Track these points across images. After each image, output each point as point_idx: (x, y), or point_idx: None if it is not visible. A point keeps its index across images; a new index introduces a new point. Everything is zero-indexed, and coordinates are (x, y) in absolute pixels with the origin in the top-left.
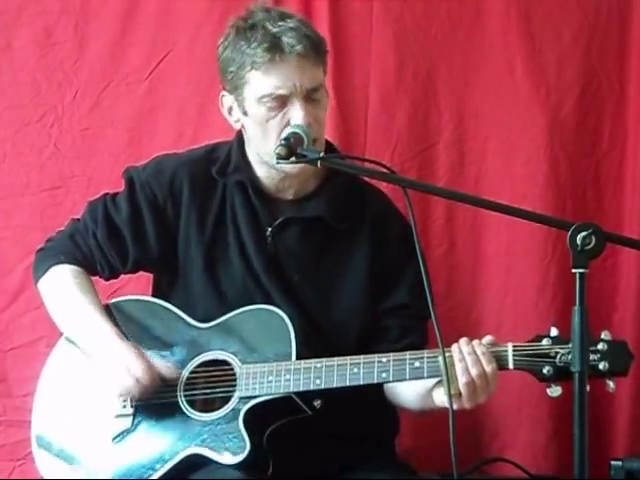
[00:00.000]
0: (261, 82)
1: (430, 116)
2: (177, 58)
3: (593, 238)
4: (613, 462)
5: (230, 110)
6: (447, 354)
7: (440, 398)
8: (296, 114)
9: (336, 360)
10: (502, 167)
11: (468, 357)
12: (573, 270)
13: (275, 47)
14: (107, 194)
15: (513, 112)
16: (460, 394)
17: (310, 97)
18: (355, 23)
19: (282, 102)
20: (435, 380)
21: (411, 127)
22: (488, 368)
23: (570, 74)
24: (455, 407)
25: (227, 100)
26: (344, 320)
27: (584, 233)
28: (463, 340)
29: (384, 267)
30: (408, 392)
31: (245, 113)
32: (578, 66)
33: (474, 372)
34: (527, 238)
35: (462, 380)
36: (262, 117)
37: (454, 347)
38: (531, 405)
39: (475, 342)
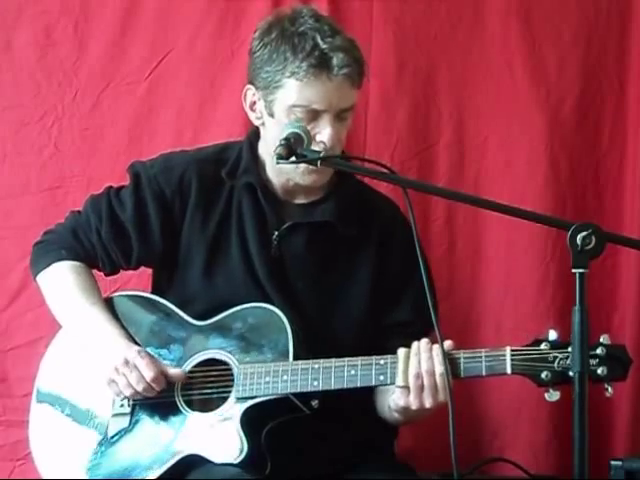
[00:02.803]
0: (298, 92)
1: (430, 116)
2: (177, 58)
3: (593, 238)
4: (613, 462)
5: (253, 105)
6: (406, 349)
7: (393, 399)
8: (325, 131)
9: (334, 361)
10: (502, 167)
11: (423, 354)
12: (573, 270)
13: (323, 65)
14: (111, 188)
15: (513, 112)
16: (409, 389)
17: (340, 116)
18: (355, 23)
19: (313, 115)
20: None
21: (411, 127)
22: (439, 368)
23: (570, 74)
24: (402, 403)
25: (252, 95)
26: (345, 328)
27: (584, 233)
28: (425, 340)
29: (388, 278)
30: (384, 404)
31: (271, 114)
32: (578, 66)
33: (424, 367)
34: (527, 238)
35: (411, 372)
36: None
37: (414, 344)
38: (531, 405)
39: (435, 346)
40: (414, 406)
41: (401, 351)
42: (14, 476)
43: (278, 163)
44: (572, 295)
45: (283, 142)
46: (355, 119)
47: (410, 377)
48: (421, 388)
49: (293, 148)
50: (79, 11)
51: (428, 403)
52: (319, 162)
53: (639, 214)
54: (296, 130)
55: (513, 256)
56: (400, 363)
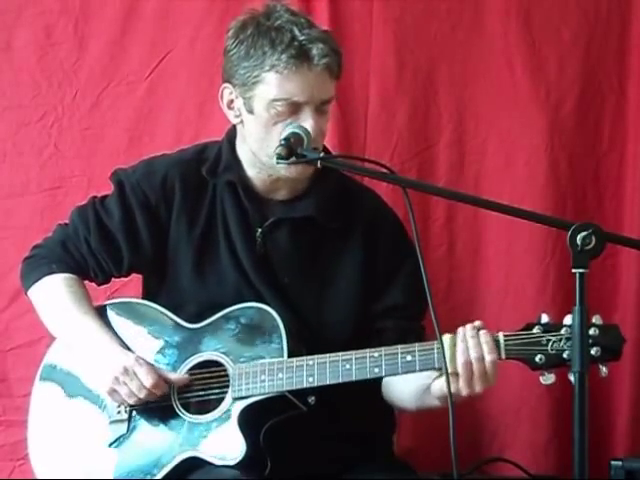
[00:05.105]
0: (278, 86)
1: (430, 116)
2: (177, 58)
3: (593, 238)
4: (613, 462)
5: (230, 103)
6: (450, 335)
7: (439, 386)
8: (307, 124)
9: (328, 357)
10: (502, 167)
11: (470, 340)
12: (573, 270)
13: (303, 56)
14: (95, 197)
15: (513, 112)
16: (457, 376)
17: (320, 108)
18: (355, 23)
19: (294, 108)
20: (433, 376)
21: (411, 127)
22: (488, 356)
23: (570, 74)
24: (452, 390)
25: (229, 94)
26: (337, 321)
27: (584, 233)
28: (469, 325)
29: (377, 267)
30: (405, 391)
31: (251, 111)
32: (578, 66)
33: (473, 354)
34: (527, 238)
35: (460, 360)
36: (269, 119)
37: (459, 329)
38: (531, 405)
39: (482, 331)
40: (464, 392)
41: (446, 337)
42: (14, 476)
43: (278, 163)
44: (572, 295)
45: (283, 142)
46: (355, 119)
47: (459, 365)
48: (471, 375)
49: (293, 148)
50: (79, 11)
51: (479, 388)
52: (319, 162)
53: (639, 214)
54: (296, 130)
55: (513, 256)
56: (447, 350)
